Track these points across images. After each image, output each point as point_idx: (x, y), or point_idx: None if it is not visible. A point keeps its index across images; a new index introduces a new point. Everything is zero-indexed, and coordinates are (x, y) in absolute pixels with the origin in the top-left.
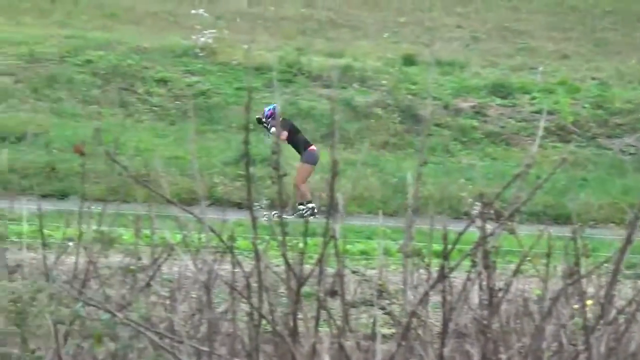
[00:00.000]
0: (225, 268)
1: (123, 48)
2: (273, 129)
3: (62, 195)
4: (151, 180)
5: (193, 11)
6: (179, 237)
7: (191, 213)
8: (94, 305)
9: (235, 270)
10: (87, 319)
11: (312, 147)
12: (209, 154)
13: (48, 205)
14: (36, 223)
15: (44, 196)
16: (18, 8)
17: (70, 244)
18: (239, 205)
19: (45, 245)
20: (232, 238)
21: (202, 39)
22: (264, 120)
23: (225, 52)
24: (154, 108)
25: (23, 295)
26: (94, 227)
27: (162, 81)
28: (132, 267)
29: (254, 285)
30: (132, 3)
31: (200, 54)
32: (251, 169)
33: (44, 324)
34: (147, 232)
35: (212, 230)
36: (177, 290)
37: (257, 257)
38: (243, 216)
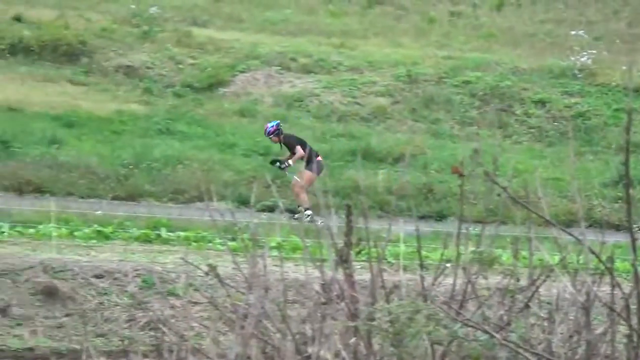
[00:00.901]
0: (603, 289)
1: (501, 69)
2: (290, 162)
3: (440, 217)
4: (530, 202)
5: (573, 32)
6: (557, 258)
7: (570, 234)
8: (472, 326)
9: (614, 291)
10: (465, 339)
11: (319, 157)
12: (587, 175)
13: (425, 227)
14: (413, 244)
15: (421, 217)
16: (396, 29)
17: (448, 265)
18: (617, 227)
19: (422, 266)
20: (610, 259)
21: (582, 59)
22: (269, 137)
23: (604, 74)
24: (531, 129)
25: (400, 316)
26: (472, 248)
27: (541, 102)
28: (510, 288)
29: (633, 306)
30: (510, 24)
31: (579, 75)
32: (631, 191)
33: (421, 345)
34: (525, 253)
35: (592, 252)
36: (555, 312)
37: (636, 279)
38: (621, 238)
